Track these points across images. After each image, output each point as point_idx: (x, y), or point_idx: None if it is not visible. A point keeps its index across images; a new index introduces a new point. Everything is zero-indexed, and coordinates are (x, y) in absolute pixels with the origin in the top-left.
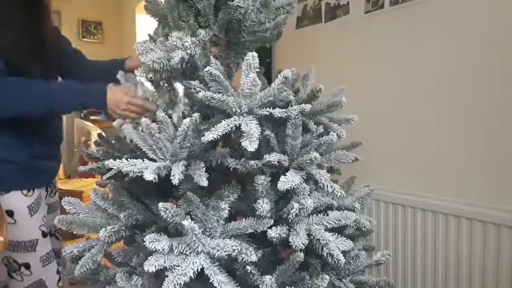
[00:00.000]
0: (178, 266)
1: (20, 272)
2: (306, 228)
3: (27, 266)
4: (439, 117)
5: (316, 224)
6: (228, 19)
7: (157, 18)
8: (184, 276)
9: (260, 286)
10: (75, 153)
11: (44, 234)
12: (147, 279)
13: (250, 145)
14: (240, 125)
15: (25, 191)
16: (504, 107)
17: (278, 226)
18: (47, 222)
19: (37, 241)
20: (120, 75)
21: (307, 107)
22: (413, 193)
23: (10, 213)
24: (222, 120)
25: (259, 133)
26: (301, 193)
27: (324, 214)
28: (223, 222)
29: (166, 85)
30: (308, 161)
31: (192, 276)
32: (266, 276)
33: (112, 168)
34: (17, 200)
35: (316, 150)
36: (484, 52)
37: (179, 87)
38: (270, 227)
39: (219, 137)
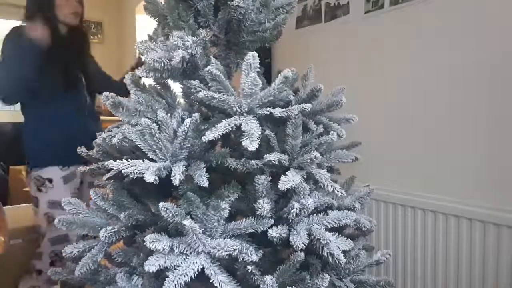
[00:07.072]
0: (178, 266)
1: None
2: (306, 228)
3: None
4: (439, 117)
5: (316, 223)
6: (228, 19)
7: (157, 18)
8: (184, 276)
9: (261, 286)
10: None
11: None
12: (147, 279)
13: (250, 144)
14: (240, 124)
15: (60, 166)
16: (504, 107)
17: (279, 226)
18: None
19: None
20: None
21: (307, 106)
22: (413, 193)
23: (50, 180)
24: (223, 120)
25: (259, 133)
26: (302, 192)
27: (324, 214)
28: (224, 222)
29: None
30: (308, 161)
31: (193, 276)
32: (266, 276)
33: (112, 169)
34: (55, 172)
35: (316, 149)
36: (485, 52)
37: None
38: (270, 227)
39: (219, 136)
